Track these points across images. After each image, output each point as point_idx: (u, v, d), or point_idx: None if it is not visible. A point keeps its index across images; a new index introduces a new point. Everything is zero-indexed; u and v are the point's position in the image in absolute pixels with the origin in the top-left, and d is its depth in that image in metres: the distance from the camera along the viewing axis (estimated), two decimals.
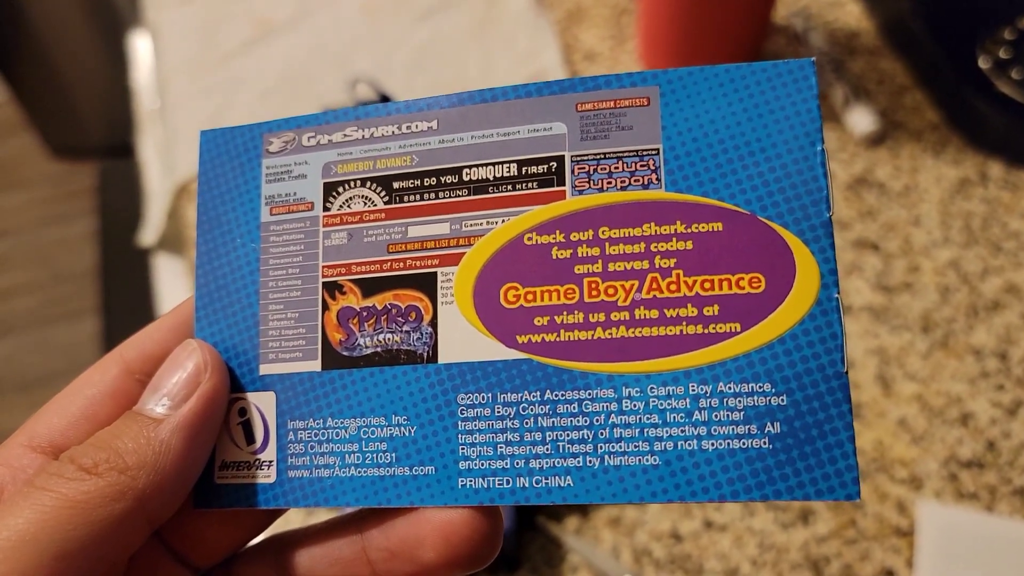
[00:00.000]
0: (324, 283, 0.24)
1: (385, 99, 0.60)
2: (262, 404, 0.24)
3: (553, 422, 0.21)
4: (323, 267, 0.24)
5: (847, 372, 0.20)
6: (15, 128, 1.80)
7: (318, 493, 0.23)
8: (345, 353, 0.23)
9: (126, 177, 1.64)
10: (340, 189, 0.24)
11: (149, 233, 0.67)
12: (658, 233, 0.21)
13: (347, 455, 0.23)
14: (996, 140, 0.57)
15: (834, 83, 0.61)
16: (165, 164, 0.65)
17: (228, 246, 0.25)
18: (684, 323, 0.21)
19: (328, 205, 0.24)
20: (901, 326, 0.51)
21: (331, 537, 0.23)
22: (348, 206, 0.24)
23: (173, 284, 0.64)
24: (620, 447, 0.21)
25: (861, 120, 0.58)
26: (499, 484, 0.21)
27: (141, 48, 0.78)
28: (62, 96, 1.70)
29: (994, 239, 0.54)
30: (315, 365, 0.23)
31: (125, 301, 1.57)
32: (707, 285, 0.21)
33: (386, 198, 0.23)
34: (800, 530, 0.45)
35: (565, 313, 0.21)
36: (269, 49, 0.69)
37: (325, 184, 0.24)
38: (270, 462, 0.23)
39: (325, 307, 0.24)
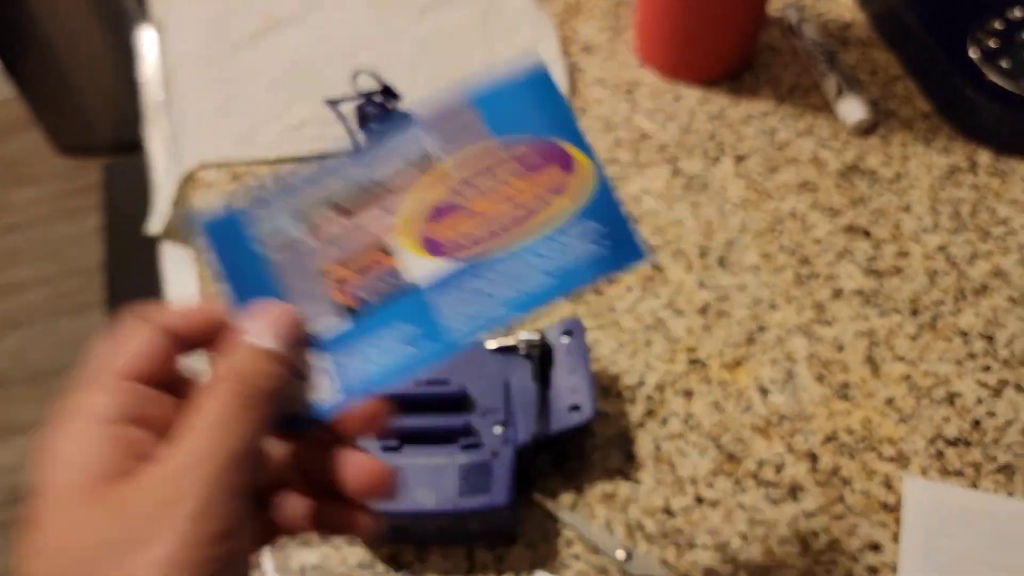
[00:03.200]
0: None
1: (388, 90, 0.62)
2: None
3: (483, 285, 0.33)
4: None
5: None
6: (23, 125, 1.82)
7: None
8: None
9: (132, 173, 1.65)
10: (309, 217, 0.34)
11: (156, 222, 0.69)
12: (497, 162, 0.34)
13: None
14: (986, 128, 0.59)
15: (827, 73, 0.62)
16: (171, 155, 0.66)
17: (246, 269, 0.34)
18: (531, 204, 0.34)
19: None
20: (891, 309, 0.52)
21: None
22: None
23: (179, 270, 0.65)
24: (527, 280, 0.33)
25: (853, 110, 0.60)
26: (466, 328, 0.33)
27: (148, 42, 0.79)
28: (69, 93, 1.71)
29: (983, 225, 0.55)
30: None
31: (131, 295, 1.59)
32: (535, 179, 0.34)
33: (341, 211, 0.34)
34: (789, 505, 0.46)
35: (472, 225, 0.34)
36: (276, 41, 0.70)
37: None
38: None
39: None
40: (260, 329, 0.30)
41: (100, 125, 1.78)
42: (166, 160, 0.68)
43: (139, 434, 0.27)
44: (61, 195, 1.79)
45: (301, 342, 0.31)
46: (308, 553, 0.46)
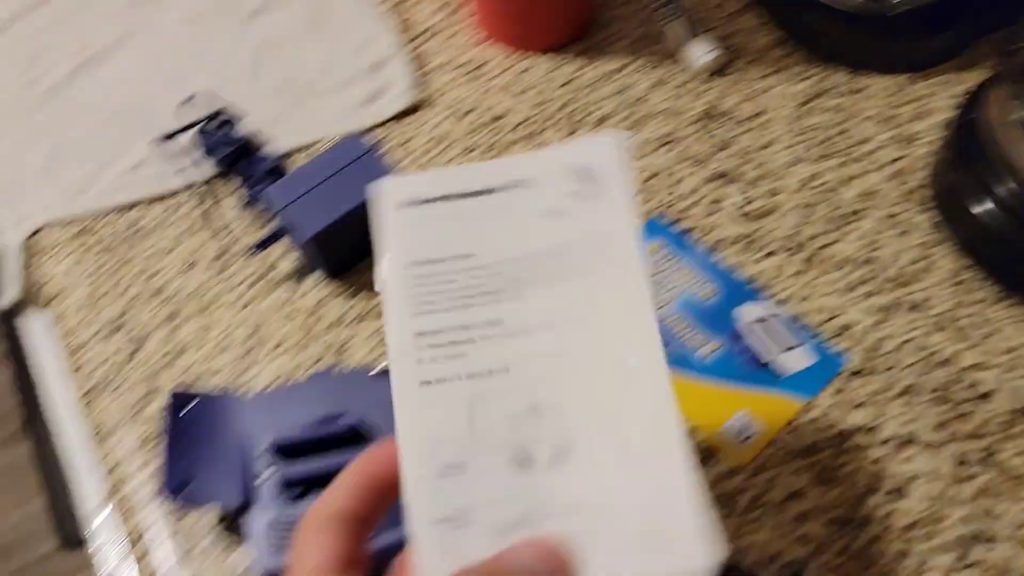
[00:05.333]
0: None
1: (222, 113, 0.58)
2: None
3: None
4: None
5: None
6: None
7: None
8: None
9: None
10: None
11: (8, 294, 0.64)
12: None
13: None
14: (835, 48, 0.58)
15: (670, 19, 0.61)
16: (9, 220, 0.61)
17: None
18: None
19: None
20: (771, 251, 0.52)
21: None
22: None
23: (43, 339, 0.61)
24: None
25: (701, 53, 0.59)
26: None
27: None
28: None
29: (845, 147, 0.55)
30: None
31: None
32: None
33: None
34: None
35: None
36: (96, 77, 0.65)
37: None
38: None
39: None
40: None
41: None
42: (11, 227, 0.63)
43: None
44: None
45: None
46: None
